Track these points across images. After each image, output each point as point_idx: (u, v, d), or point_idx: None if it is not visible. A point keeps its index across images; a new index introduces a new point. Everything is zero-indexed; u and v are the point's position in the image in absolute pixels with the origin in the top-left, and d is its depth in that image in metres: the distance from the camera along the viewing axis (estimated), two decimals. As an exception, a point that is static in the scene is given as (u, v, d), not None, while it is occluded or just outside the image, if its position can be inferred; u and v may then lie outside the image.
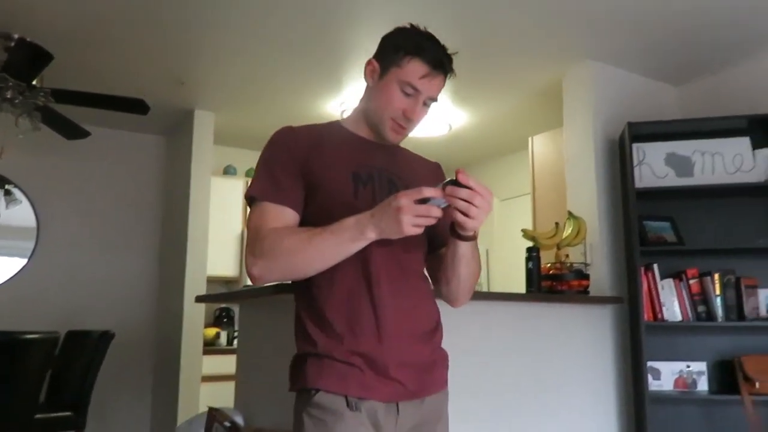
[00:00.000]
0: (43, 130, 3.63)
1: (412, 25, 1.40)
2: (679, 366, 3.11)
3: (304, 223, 1.34)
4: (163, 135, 5.03)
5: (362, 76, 1.43)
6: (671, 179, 3.20)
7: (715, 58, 3.49)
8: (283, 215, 1.31)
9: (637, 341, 3.03)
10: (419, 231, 1.17)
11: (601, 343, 3.14)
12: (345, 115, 1.55)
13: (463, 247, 1.31)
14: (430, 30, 1.40)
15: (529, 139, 4.24)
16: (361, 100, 1.47)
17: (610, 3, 2.92)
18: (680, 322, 3.03)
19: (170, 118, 4.60)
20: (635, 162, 3.21)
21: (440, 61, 1.35)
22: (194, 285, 4.27)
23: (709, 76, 3.69)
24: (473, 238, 1.30)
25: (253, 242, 1.29)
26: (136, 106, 3.45)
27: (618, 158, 3.44)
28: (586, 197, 3.42)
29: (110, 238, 4.75)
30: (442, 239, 1.40)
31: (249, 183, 1.40)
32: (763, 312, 3.05)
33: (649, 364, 3.03)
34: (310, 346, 1.29)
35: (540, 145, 4.18)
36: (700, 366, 3.10)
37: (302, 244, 1.24)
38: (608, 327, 3.19)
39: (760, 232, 3.15)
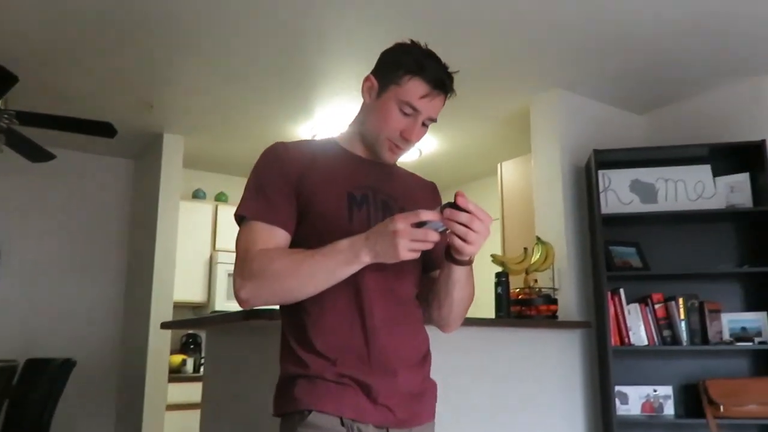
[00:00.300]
0: (6, 152, 3.56)
1: (413, 42, 1.36)
2: (646, 390, 3.14)
3: (295, 244, 1.28)
4: (132, 158, 4.97)
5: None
6: (636, 205, 3.26)
7: (678, 88, 3.60)
8: (274, 236, 1.26)
9: (605, 366, 3.05)
10: (415, 256, 1.12)
11: (570, 367, 3.16)
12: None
13: (459, 272, 1.27)
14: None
15: (498, 165, 4.30)
16: (357, 117, 1.41)
17: (577, 33, 2.99)
18: (646, 346, 3.07)
19: (139, 141, 4.55)
20: (601, 188, 3.27)
21: (441, 81, 1.31)
22: (160, 311, 4.19)
23: (673, 105, 3.80)
24: (469, 263, 1.26)
25: (242, 264, 1.23)
26: (103, 129, 3.40)
27: (585, 184, 3.51)
28: (554, 223, 3.47)
29: (74, 262, 4.65)
30: (436, 262, 1.35)
31: (239, 201, 1.33)
32: (726, 336, 3.11)
33: (617, 388, 3.06)
34: (300, 368, 1.24)
35: (509, 171, 4.23)
36: (666, 390, 3.14)
37: (293, 267, 1.19)
38: (576, 351, 3.21)
39: (721, 258, 3.23)
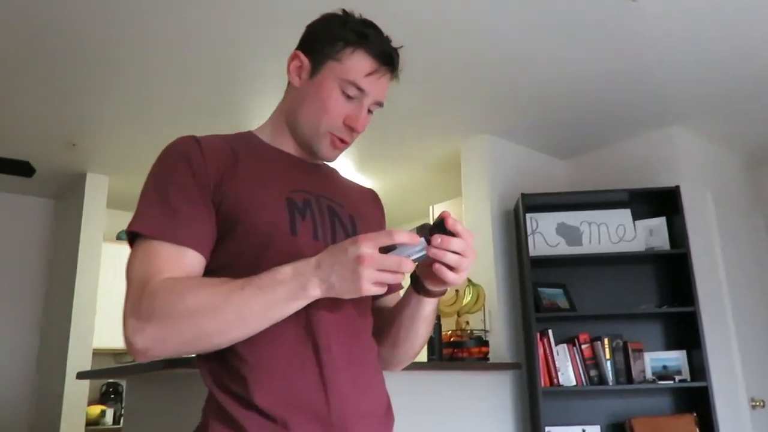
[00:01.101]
0: None
1: (345, 11, 1.10)
2: (575, 430, 3.18)
3: (213, 272, 0.97)
4: (53, 198, 4.75)
5: None
6: (562, 248, 3.36)
7: (598, 135, 3.77)
8: (183, 260, 0.94)
9: (536, 407, 3.08)
10: (381, 290, 0.87)
11: (502, 408, 3.17)
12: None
13: (429, 306, 1.04)
14: None
15: (431, 207, 4.35)
16: (282, 106, 1.13)
17: (502, 83, 3.10)
18: (575, 386, 3.12)
19: (60, 180, 4.36)
20: (529, 231, 3.36)
21: (389, 55, 1.07)
22: (78, 358, 3.96)
23: (594, 151, 3.97)
24: (443, 294, 1.03)
25: (137, 300, 0.89)
26: (20, 168, 3.25)
27: (514, 227, 3.59)
28: (485, 265, 3.52)
29: (-12, 307, 4.36)
30: (390, 289, 1.11)
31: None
32: (649, 374, 3.21)
33: (548, 429, 3.08)
34: (232, 429, 0.91)
35: (440, 213, 4.29)
36: (594, 429, 3.19)
37: (215, 303, 0.88)
38: (508, 392, 3.24)
39: (642, 298, 3.35)
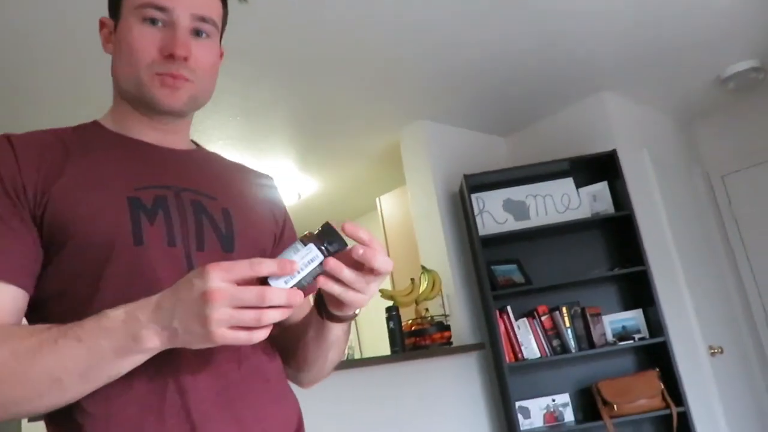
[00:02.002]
0: None
1: None
2: (545, 401, 3.21)
3: (44, 301, 0.79)
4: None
5: None
6: (511, 224, 3.38)
7: (533, 109, 3.80)
8: None
9: (503, 383, 3.09)
10: (250, 339, 0.66)
11: (470, 390, 3.18)
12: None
13: (338, 329, 0.85)
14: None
15: (377, 199, 4.33)
16: (113, 88, 0.93)
17: (431, 67, 3.09)
18: (539, 358, 3.14)
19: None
20: (476, 211, 3.36)
21: None
22: None
23: (531, 125, 4.00)
24: (355, 316, 0.84)
25: None
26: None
27: (461, 209, 3.59)
28: (437, 250, 3.52)
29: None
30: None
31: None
32: (609, 337, 3.26)
33: (518, 404, 3.10)
34: None
35: (388, 204, 4.27)
36: (563, 398, 3.23)
37: (21, 364, 0.67)
38: (475, 373, 3.24)
39: (594, 264, 3.40)
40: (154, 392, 0.74)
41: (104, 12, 0.94)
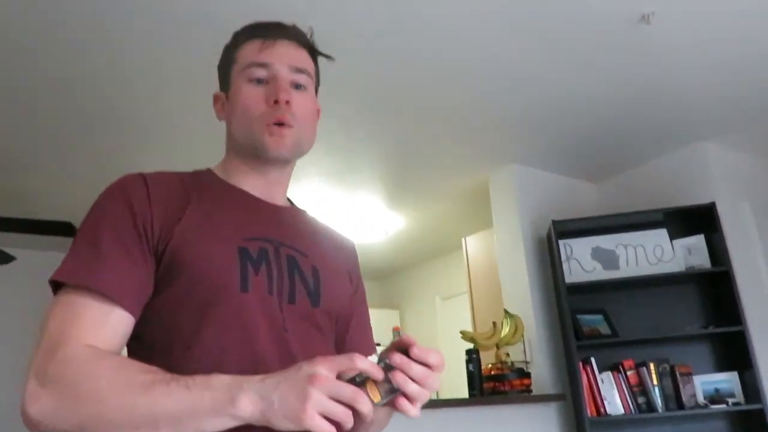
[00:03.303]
0: (-37, 258, 3.49)
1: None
2: (628, 461, 3.08)
3: (144, 330, 0.85)
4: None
5: None
6: (599, 273, 3.30)
7: (627, 156, 3.72)
8: (108, 321, 0.80)
9: (584, 438, 3.00)
10: (328, 430, 0.68)
11: (549, 442, 3.10)
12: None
13: (382, 411, 0.85)
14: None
15: (463, 239, 4.34)
16: (226, 144, 1.05)
17: (525, 111, 3.11)
18: (623, 415, 3.03)
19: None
20: (563, 258, 3.32)
21: (272, 25, 1.02)
22: None
23: (624, 172, 3.92)
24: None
25: (46, 359, 0.76)
26: (62, 229, 3.37)
27: (547, 255, 3.55)
28: (520, 294, 3.48)
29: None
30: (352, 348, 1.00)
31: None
32: (700, 399, 3.09)
33: (598, 461, 3.00)
34: None
35: (473, 245, 4.27)
36: (647, 459, 3.09)
37: (132, 392, 0.72)
38: (554, 425, 3.16)
39: (686, 319, 3.26)
40: None
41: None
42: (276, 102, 0.95)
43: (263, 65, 0.97)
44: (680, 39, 2.57)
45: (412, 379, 0.74)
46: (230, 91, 1.01)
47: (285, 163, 1.01)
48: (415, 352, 0.76)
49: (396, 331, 4.95)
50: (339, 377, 0.71)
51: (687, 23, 2.46)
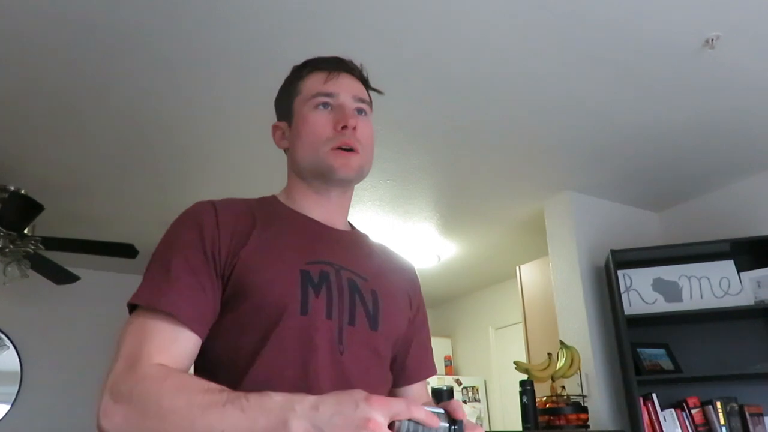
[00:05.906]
0: (31, 275, 3.64)
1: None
2: (693, 505, 2.92)
3: (211, 348, 0.91)
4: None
5: None
6: (661, 305, 3.18)
7: (692, 184, 3.60)
8: (177, 341, 0.85)
9: (645, 479, 2.86)
10: None
11: (607, 482, 2.97)
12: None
13: None
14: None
15: (517, 268, 4.26)
16: (288, 168, 1.11)
17: (585, 139, 3.04)
18: (687, 455, 2.88)
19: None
20: (622, 288, 3.21)
21: (334, 60, 1.09)
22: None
23: (688, 201, 3.78)
24: None
25: (122, 376, 0.81)
26: (125, 251, 3.48)
27: (605, 285, 3.44)
28: (577, 325, 3.38)
29: (95, 383, 4.59)
30: (411, 374, 1.09)
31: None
32: (772, 441, 2.92)
33: (660, 504, 2.85)
34: None
35: (528, 273, 4.19)
36: (714, 504, 2.92)
37: (192, 413, 0.75)
38: (613, 464, 3.03)
39: (757, 357, 3.09)
40: None
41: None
42: (344, 127, 1.01)
43: (329, 95, 1.04)
44: (745, 64, 2.48)
45: None
46: (293, 119, 1.07)
47: (348, 184, 1.07)
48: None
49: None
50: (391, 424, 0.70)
51: (752, 47, 2.37)
